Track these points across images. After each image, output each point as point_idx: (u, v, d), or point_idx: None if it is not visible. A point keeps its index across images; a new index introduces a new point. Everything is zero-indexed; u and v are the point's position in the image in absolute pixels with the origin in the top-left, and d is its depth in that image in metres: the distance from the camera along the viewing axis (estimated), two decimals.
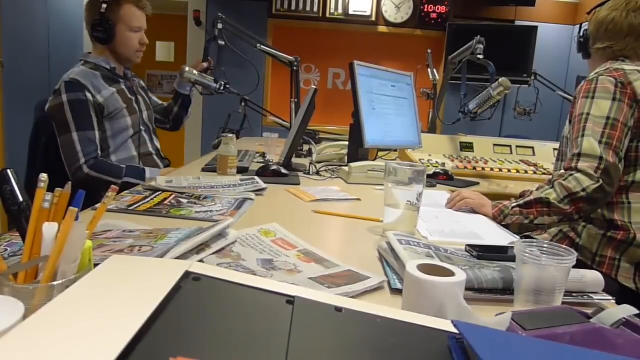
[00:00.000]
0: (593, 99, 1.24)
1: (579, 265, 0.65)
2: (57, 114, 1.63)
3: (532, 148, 2.33)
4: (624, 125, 1.20)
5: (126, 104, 1.75)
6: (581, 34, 1.48)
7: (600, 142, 1.18)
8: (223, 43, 2.26)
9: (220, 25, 2.26)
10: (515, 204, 1.22)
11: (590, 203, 1.16)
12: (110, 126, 1.71)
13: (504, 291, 0.67)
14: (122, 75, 1.82)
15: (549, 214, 1.18)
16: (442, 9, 3.98)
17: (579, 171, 1.16)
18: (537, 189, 1.23)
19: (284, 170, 1.56)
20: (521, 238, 0.97)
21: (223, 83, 2.20)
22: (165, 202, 1.11)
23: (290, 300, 0.41)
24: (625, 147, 1.22)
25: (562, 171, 1.21)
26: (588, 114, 1.23)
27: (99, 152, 1.67)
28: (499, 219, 1.22)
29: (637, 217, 1.22)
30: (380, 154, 2.11)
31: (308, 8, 3.96)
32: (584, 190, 1.14)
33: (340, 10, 3.98)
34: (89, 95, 1.65)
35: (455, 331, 0.40)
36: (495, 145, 2.34)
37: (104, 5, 1.68)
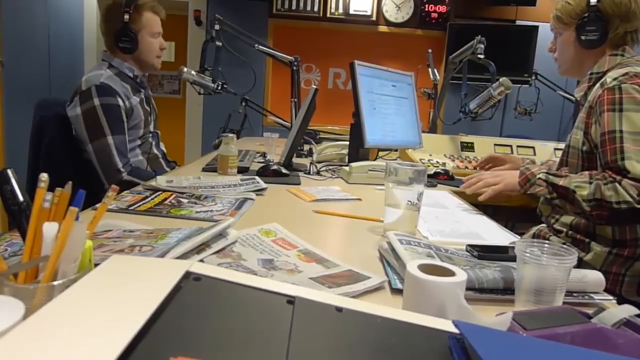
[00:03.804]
0: (622, 112, 1.15)
1: None
2: (89, 118, 1.61)
3: (533, 148, 2.33)
4: None
5: (144, 117, 1.77)
6: (588, 18, 1.29)
7: None
8: (220, 44, 2.28)
9: (217, 26, 2.28)
10: (543, 176, 1.20)
11: (615, 216, 1.11)
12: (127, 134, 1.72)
13: (505, 291, 0.67)
14: (141, 84, 1.82)
15: (571, 202, 1.15)
16: (442, 8, 3.98)
17: (621, 185, 1.10)
18: (575, 176, 1.18)
19: (284, 170, 1.56)
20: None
21: (220, 83, 2.23)
22: (166, 202, 1.11)
23: (291, 300, 0.41)
24: None
25: (607, 174, 1.13)
26: (621, 130, 1.14)
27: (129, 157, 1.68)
28: (525, 187, 1.22)
29: None
30: (380, 153, 2.12)
31: (308, 8, 3.96)
32: (618, 202, 1.08)
33: (340, 10, 3.98)
34: (120, 100, 1.65)
35: (456, 331, 0.40)
36: (496, 145, 2.33)
37: (126, 16, 1.67)
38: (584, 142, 1.26)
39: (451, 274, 0.55)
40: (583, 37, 1.30)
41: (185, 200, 1.14)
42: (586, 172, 1.19)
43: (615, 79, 1.20)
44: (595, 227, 1.24)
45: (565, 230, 1.29)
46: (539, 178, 1.20)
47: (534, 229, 1.41)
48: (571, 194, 1.14)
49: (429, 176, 1.77)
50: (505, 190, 1.27)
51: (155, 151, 1.88)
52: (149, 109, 1.83)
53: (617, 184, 1.09)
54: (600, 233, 1.23)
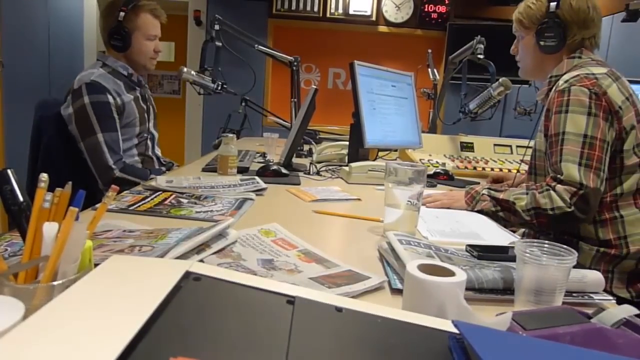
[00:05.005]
0: (567, 113, 1.19)
1: None
2: (79, 116, 1.62)
3: (532, 148, 2.33)
4: (602, 141, 1.16)
5: (139, 114, 1.76)
6: (547, 24, 1.31)
7: (580, 165, 1.14)
8: (220, 44, 2.28)
9: (217, 26, 2.27)
10: (486, 192, 1.26)
11: (554, 222, 1.16)
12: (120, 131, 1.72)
13: (505, 291, 0.67)
14: (137, 82, 1.82)
15: (514, 214, 1.20)
16: (442, 8, 3.98)
17: (555, 191, 1.15)
18: (514, 188, 1.25)
19: (284, 170, 1.56)
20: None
21: (220, 83, 2.23)
22: (166, 202, 1.11)
23: (291, 300, 0.41)
24: (607, 163, 1.17)
25: (543, 183, 1.19)
26: (564, 132, 1.19)
27: (122, 154, 1.68)
28: (472, 205, 1.27)
29: (631, 228, 1.19)
30: (380, 154, 2.11)
31: (308, 8, 3.96)
32: (552, 209, 1.14)
33: (340, 10, 3.98)
34: (110, 97, 1.65)
35: (456, 331, 0.40)
36: (495, 145, 2.33)
37: (122, 14, 1.68)
38: (546, 147, 1.29)
39: (451, 274, 0.55)
40: (542, 43, 1.33)
41: (185, 201, 1.14)
42: (524, 184, 1.25)
43: (566, 81, 1.23)
44: (579, 229, 1.25)
45: (550, 232, 1.30)
46: (483, 194, 1.26)
47: (523, 229, 1.41)
48: (512, 205, 1.20)
49: (429, 176, 1.77)
50: (456, 209, 1.31)
51: (151, 154, 1.87)
52: (145, 107, 1.82)
53: (551, 191, 1.15)
54: (585, 235, 1.25)
